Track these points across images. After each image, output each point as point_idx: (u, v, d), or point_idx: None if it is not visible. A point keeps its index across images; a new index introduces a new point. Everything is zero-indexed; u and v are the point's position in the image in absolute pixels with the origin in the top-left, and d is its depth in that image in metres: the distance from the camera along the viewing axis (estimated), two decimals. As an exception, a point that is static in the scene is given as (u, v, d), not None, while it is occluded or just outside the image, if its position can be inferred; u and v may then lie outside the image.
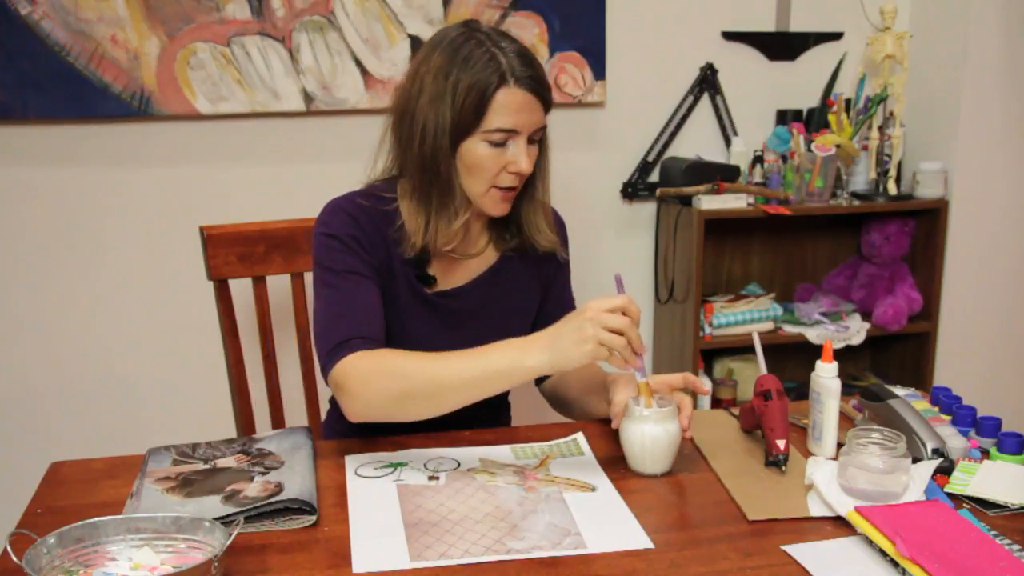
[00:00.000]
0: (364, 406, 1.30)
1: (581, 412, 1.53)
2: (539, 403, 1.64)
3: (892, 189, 2.55)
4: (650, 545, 1.09)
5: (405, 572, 1.03)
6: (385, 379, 1.28)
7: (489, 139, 1.36)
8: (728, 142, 2.61)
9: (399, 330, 1.46)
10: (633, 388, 1.31)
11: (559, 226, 1.60)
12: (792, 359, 2.62)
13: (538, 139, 1.43)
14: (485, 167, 1.38)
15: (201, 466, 1.27)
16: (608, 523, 1.14)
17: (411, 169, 1.41)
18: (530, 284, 1.57)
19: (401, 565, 1.05)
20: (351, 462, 1.32)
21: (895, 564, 1.02)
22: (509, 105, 1.35)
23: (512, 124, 1.36)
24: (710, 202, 2.39)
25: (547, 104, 1.40)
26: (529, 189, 1.49)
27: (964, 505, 1.17)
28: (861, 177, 2.58)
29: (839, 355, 2.43)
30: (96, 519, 1.02)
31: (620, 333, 1.20)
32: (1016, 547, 1.06)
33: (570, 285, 1.65)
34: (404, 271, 1.45)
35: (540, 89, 1.37)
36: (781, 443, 1.25)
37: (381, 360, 1.30)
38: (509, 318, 1.53)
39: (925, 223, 2.62)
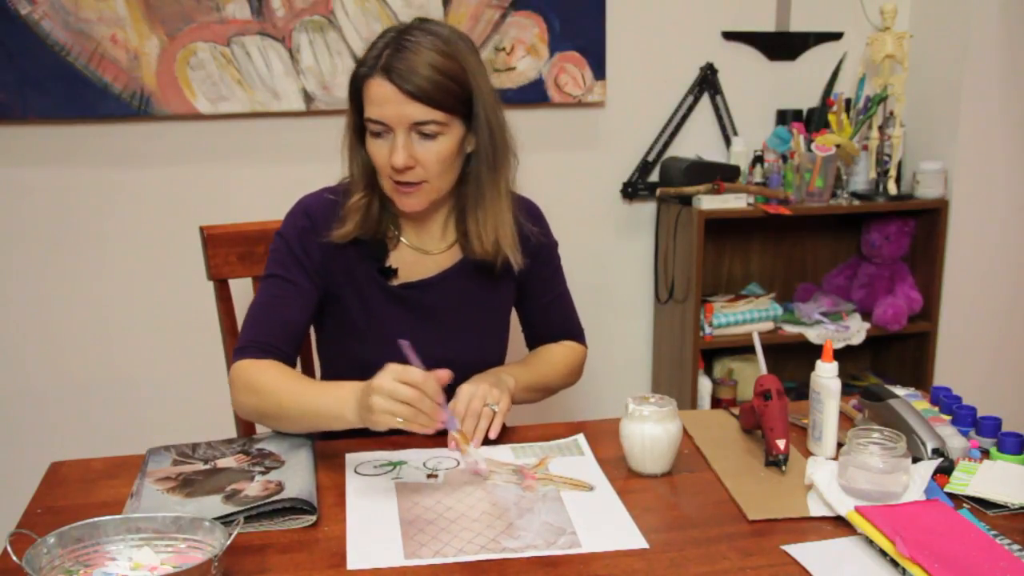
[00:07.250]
0: (239, 410, 1.41)
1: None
2: (539, 403, 1.64)
3: (892, 189, 2.55)
4: (644, 545, 1.09)
5: (399, 569, 1.04)
6: (248, 393, 1.36)
7: (370, 129, 1.39)
8: (728, 142, 2.60)
9: (368, 324, 1.48)
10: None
11: (535, 217, 1.57)
12: (792, 359, 2.62)
13: (432, 134, 1.35)
14: (374, 158, 1.40)
15: (201, 466, 1.27)
16: (604, 523, 1.14)
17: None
18: (502, 280, 1.54)
19: (395, 562, 1.05)
20: (351, 460, 1.32)
21: (895, 564, 1.02)
22: (374, 97, 1.35)
23: (377, 116, 1.36)
24: (710, 202, 2.39)
25: (420, 99, 1.32)
26: (473, 196, 1.44)
27: (964, 505, 1.17)
28: (861, 177, 2.59)
29: (839, 355, 2.43)
30: (96, 519, 1.03)
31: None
32: (1016, 547, 1.06)
33: (562, 272, 1.62)
34: (365, 266, 1.47)
35: (403, 83, 1.31)
36: (781, 443, 1.25)
37: (255, 373, 1.36)
38: (481, 314, 1.53)
39: (925, 223, 2.62)
